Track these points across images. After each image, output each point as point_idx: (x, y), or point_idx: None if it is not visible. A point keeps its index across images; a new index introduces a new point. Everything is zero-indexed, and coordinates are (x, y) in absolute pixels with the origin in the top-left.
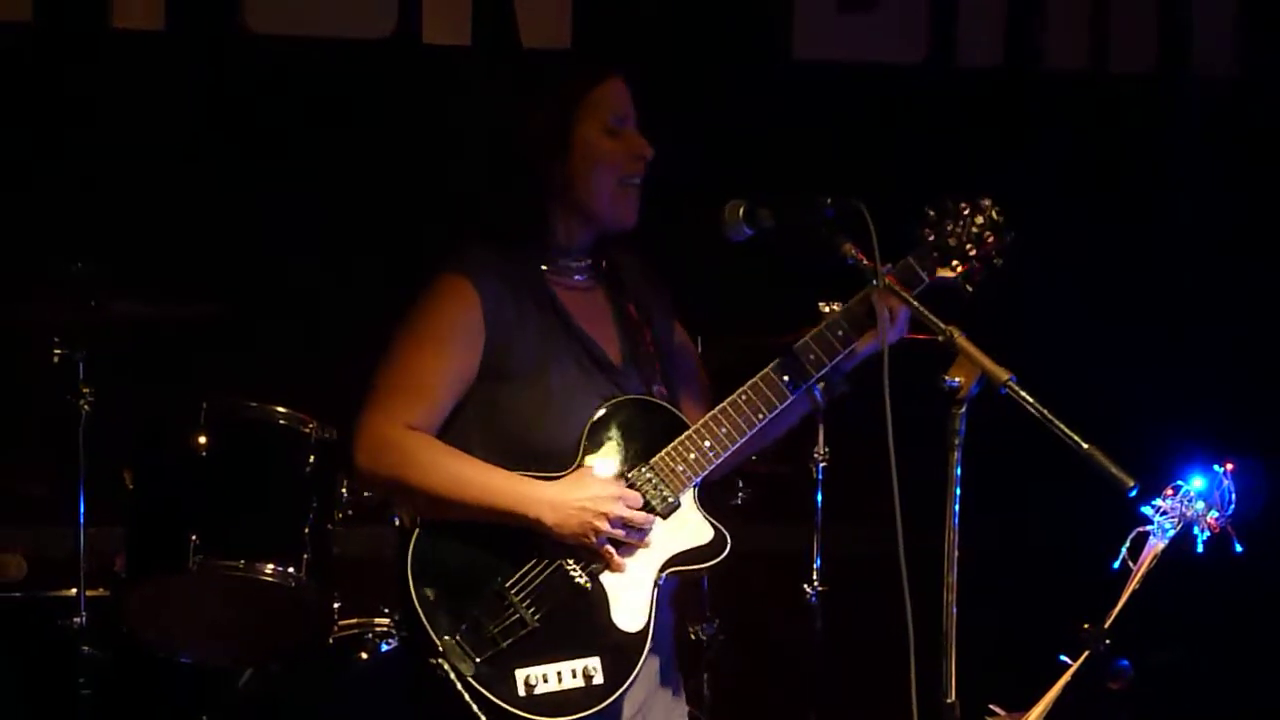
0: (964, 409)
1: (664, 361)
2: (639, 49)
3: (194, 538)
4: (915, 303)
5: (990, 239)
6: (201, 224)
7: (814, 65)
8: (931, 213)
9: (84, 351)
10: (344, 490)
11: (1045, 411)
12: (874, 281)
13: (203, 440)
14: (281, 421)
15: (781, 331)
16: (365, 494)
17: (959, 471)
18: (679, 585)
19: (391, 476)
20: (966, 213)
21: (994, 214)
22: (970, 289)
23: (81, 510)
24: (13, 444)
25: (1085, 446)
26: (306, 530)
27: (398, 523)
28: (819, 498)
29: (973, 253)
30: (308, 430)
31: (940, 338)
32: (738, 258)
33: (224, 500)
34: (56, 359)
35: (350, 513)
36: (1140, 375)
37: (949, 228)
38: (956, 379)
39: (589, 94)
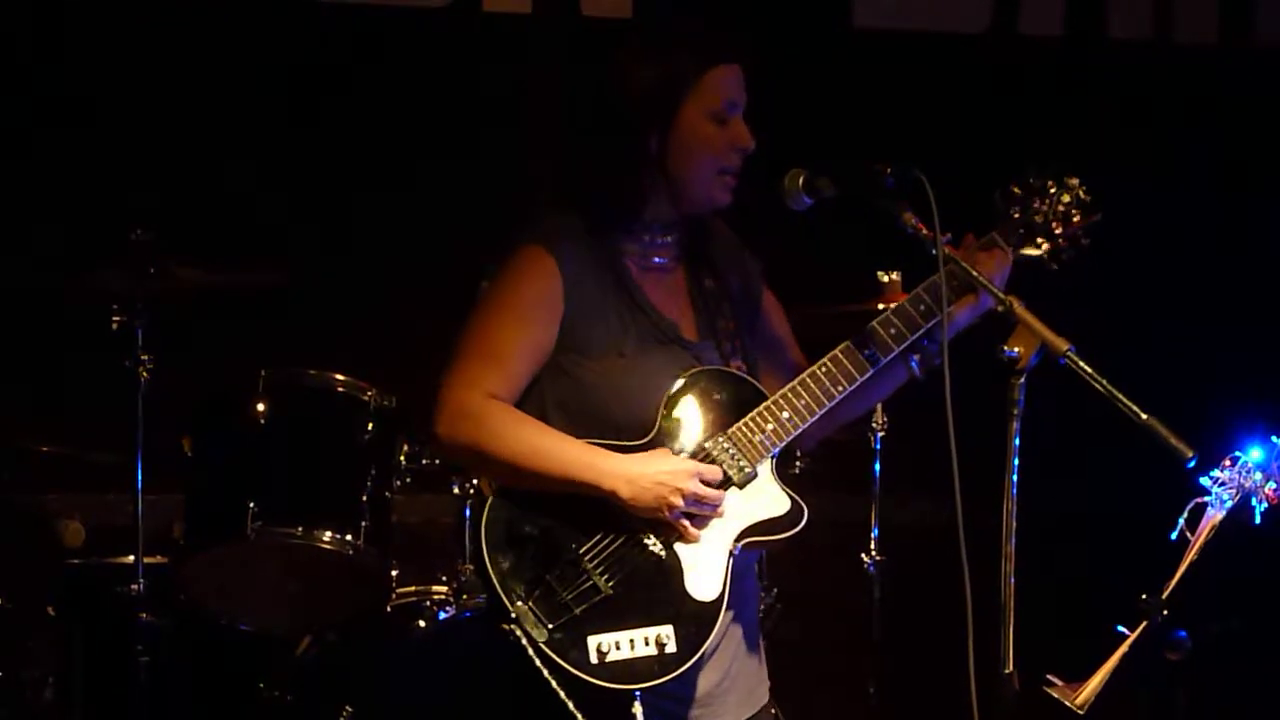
0: (1023, 379)
1: (744, 335)
2: (698, 18)
3: (252, 505)
4: (974, 272)
5: (1077, 218)
6: (261, 190)
7: (875, 34)
8: (1017, 189)
9: (143, 319)
10: (402, 458)
11: (1104, 382)
12: (933, 251)
13: (262, 408)
14: (340, 389)
15: (842, 300)
16: (431, 460)
17: (1018, 441)
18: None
19: (469, 444)
20: (1053, 190)
21: (1081, 193)
22: (1055, 267)
23: (140, 477)
24: (72, 411)
25: (1144, 417)
26: (365, 498)
27: (457, 490)
28: (877, 467)
29: (1059, 231)
30: (367, 398)
31: (1000, 308)
32: (797, 227)
33: (282, 468)
34: (115, 326)
35: (409, 480)
36: (1200, 346)
37: (1035, 205)
38: (1016, 349)
39: (703, 75)
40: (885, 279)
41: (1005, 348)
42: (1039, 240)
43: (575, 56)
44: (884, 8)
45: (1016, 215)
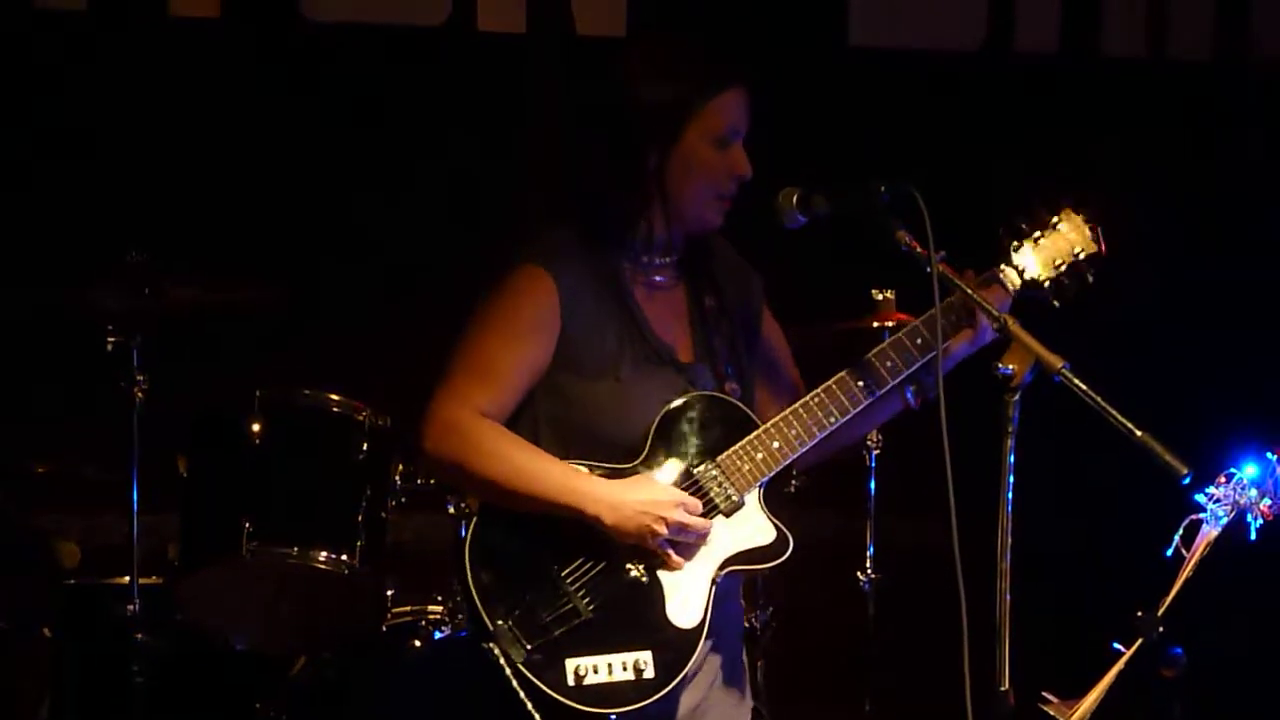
0: (1018, 397)
1: (741, 357)
2: (707, 39)
3: (248, 525)
4: (969, 290)
5: (1082, 254)
6: (257, 211)
7: (870, 52)
8: (1023, 224)
9: (138, 339)
10: (398, 477)
11: (1099, 399)
12: (927, 269)
13: (257, 428)
14: (335, 409)
15: (837, 318)
16: (426, 480)
17: (1013, 459)
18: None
19: (455, 461)
20: (1058, 225)
21: (1088, 229)
22: (1058, 304)
23: (135, 497)
24: (67, 431)
25: (1139, 434)
26: (360, 517)
27: (452, 510)
28: (872, 485)
29: (1062, 268)
30: (361, 417)
31: (995, 325)
32: (792, 244)
33: (278, 487)
34: (111, 346)
35: (404, 500)
36: (1195, 363)
37: (1039, 240)
38: (1010, 366)
39: (710, 100)
40: (879, 296)
41: (1000, 365)
42: (1042, 277)
43: (570, 75)
44: (880, 26)
45: (1020, 250)
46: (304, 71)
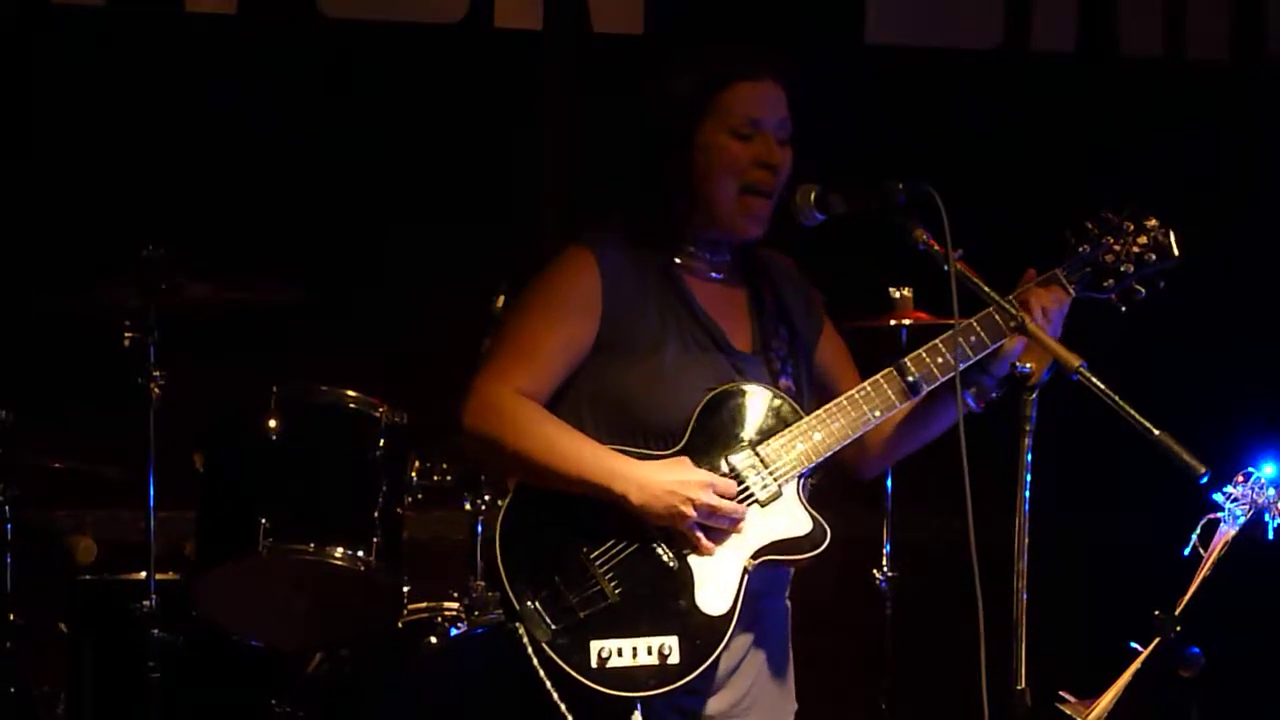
0: (1035, 395)
1: (799, 360)
2: (709, 33)
3: (264, 521)
4: (986, 288)
5: (1153, 259)
6: (272, 207)
7: (886, 49)
8: (1091, 226)
9: (155, 335)
10: (414, 474)
11: (1116, 398)
12: (945, 267)
13: (273, 424)
14: (352, 405)
15: (854, 316)
16: (446, 476)
17: (1030, 458)
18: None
19: (492, 437)
20: (1130, 230)
21: (1160, 235)
22: (1124, 309)
23: (152, 494)
24: (84, 428)
25: (1156, 433)
26: (376, 514)
27: (469, 506)
28: (890, 483)
29: (1131, 272)
30: (378, 414)
31: (1012, 323)
32: (809, 242)
33: (294, 484)
34: (127, 343)
35: (420, 496)
36: (1212, 362)
37: (1107, 243)
38: (1028, 365)
39: (720, 93)
40: (897, 294)
41: (1018, 363)
42: (1106, 281)
43: (586, 72)
44: (896, 23)
45: (1086, 251)
46: (320, 68)
